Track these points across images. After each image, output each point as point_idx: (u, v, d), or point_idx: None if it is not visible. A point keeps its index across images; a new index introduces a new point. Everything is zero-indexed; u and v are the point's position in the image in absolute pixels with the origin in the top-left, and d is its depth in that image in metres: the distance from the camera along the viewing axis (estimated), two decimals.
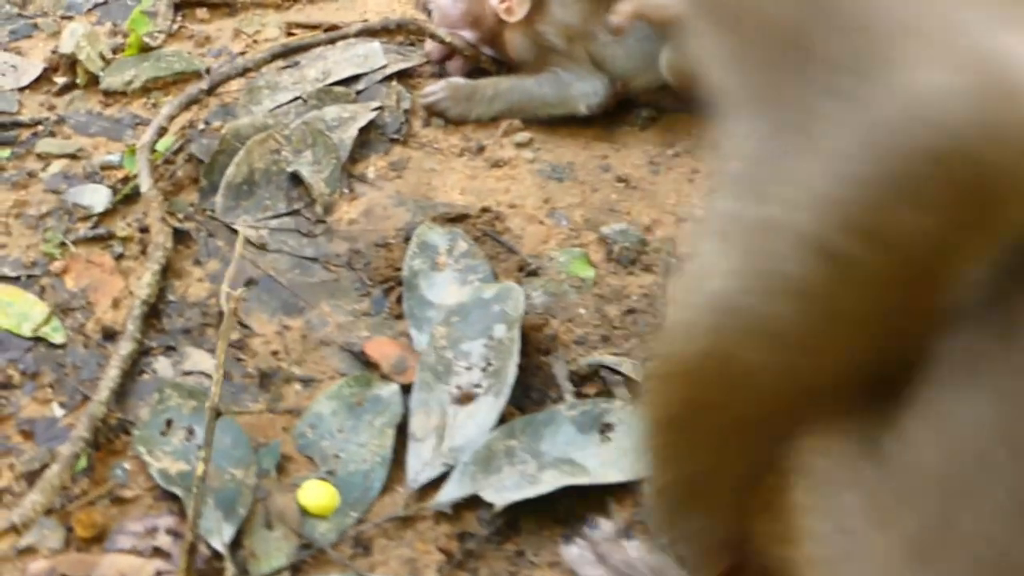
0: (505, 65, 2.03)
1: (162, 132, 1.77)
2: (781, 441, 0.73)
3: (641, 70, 1.93)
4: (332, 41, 1.95)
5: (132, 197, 1.74)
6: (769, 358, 0.68)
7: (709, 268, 0.70)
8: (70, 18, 2.22)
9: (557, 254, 1.63)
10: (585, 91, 1.92)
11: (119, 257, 1.64)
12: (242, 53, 2.09)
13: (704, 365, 0.71)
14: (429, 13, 2.12)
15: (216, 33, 2.18)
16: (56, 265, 1.62)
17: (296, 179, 1.75)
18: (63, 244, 1.66)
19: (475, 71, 2.03)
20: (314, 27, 2.18)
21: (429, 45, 2.07)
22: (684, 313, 0.73)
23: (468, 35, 2.07)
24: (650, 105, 1.96)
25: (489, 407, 1.38)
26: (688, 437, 0.77)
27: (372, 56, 2.03)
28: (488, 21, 2.06)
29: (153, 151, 1.75)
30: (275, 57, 1.91)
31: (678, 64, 1.88)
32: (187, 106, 1.83)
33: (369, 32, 1.98)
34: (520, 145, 1.86)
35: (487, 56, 2.04)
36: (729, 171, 0.72)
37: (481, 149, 1.85)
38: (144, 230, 1.67)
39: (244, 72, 1.88)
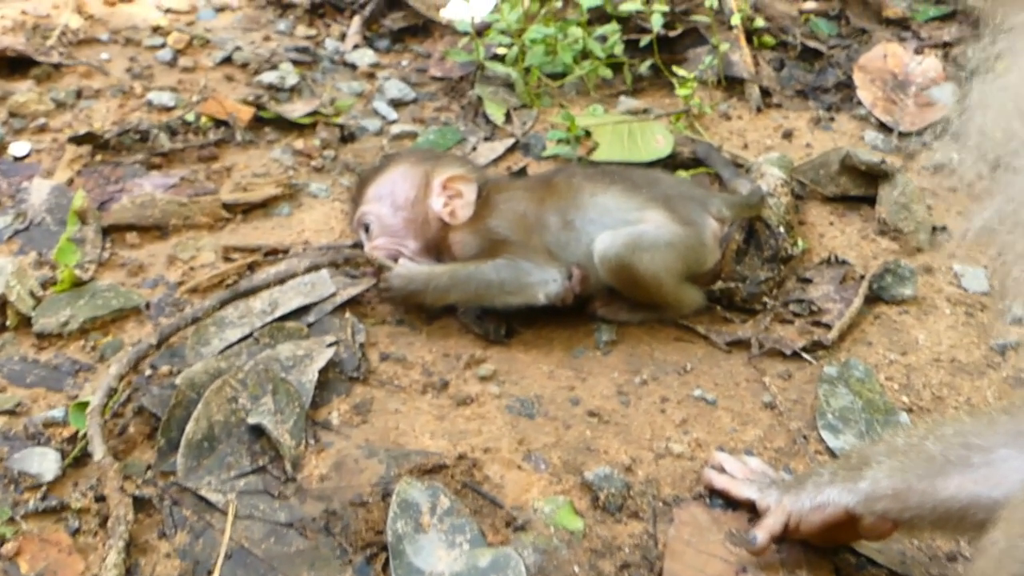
0: None
1: (112, 393, 1.68)
2: None
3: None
4: (282, 281, 1.88)
5: (83, 459, 1.64)
6: None
7: None
8: None
9: (541, 504, 1.58)
10: (544, 279, 1.90)
11: (76, 532, 1.53)
12: (180, 283, 2.02)
13: None
14: (366, 229, 2.08)
15: (149, 260, 2.10)
16: (8, 547, 1.50)
17: (257, 430, 1.66)
18: (12, 520, 1.54)
19: None
20: (252, 250, 2.11)
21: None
22: None
23: (411, 244, 2.05)
24: (607, 320, 1.94)
25: None
26: None
27: (320, 284, 1.98)
28: (432, 226, 2.04)
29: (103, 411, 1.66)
30: (224, 304, 1.83)
31: (610, 256, 1.88)
32: (136, 363, 1.73)
33: (317, 267, 1.92)
34: (484, 379, 1.81)
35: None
36: None
37: (445, 385, 1.80)
38: (100, 499, 1.57)
39: (194, 321, 1.80)
